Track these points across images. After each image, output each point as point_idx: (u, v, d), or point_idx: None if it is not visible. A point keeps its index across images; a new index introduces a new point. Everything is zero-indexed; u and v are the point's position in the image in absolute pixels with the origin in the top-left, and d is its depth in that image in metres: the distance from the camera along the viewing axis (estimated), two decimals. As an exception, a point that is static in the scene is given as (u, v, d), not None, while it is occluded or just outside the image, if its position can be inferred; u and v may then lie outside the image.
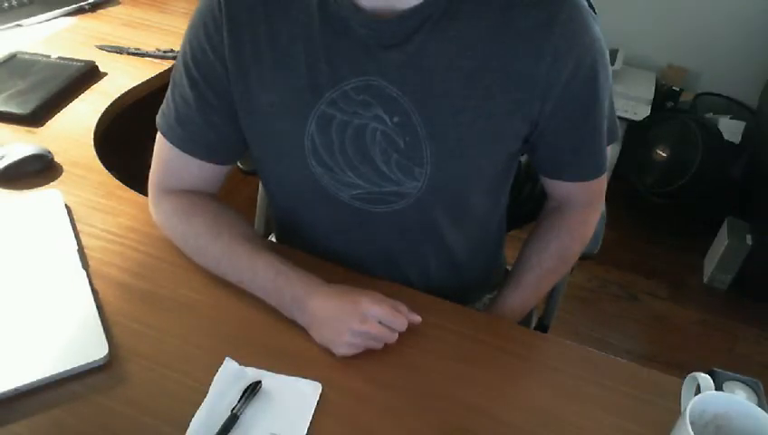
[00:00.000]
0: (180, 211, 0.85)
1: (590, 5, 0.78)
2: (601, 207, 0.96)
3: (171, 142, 0.84)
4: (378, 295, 0.76)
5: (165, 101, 0.85)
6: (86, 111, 1.17)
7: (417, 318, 0.77)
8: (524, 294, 0.93)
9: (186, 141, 0.83)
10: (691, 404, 0.60)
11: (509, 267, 1.12)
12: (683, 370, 0.74)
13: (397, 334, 0.76)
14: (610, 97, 0.84)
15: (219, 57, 0.78)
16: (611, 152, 2.61)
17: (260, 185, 1.44)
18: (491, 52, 0.74)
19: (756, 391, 0.71)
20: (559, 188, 0.90)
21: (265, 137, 0.82)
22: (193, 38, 0.80)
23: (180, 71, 0.82)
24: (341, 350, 0.74)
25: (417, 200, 0.81)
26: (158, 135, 0.86)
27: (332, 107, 0.77)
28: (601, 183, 0.90)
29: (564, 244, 0.92)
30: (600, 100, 0.80)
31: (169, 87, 0.84)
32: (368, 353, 0.75)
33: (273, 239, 1.09)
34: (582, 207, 0.92)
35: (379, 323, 0.74)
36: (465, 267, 0.96)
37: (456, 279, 0.96)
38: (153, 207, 0.88)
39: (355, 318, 0.73)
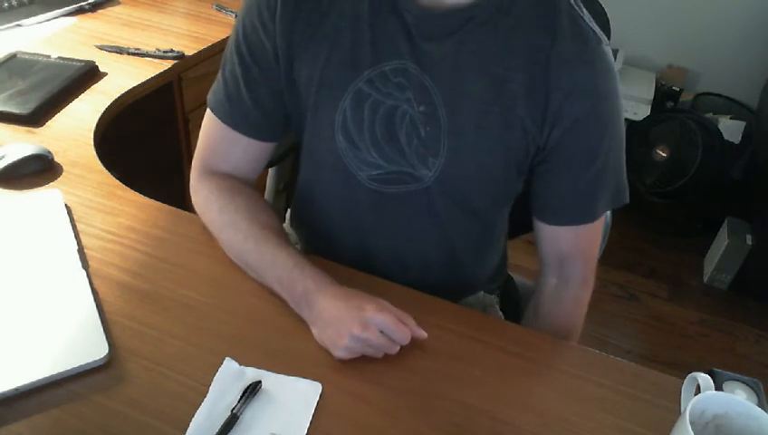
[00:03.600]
0: (225, 189, 0.87)
1: (605, 30, 0.79)
2: (592, 286, 0.96)
3: (219, 118, 0.87)
4: (385, 304, 0.75)
5: (216, 80, 0.89)
6: (86, 111, 1.17)
7: (423, 333, 0.76)
8: None
9: (234, 117, 0.86)
10: (691, 404, 0.59)
11: (511, 273, 1.12)
12: (683, 370, 0.74)
13: (398, 347, 0.75)
14: (621, 158, 0.85)
15: (269, 36, 0.81)
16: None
17: (268, 176, 1.44)
18: (521, 67, 0.76)
19: (756, 391, 0.71)
20: (545, 238, 0.90)
21: (301, 110, 0.85)
22: (246, 17, 0.83)
23: (231, 48, 0.85)
24: (339, 353, 0.73)
25: (425, 188, 0.83)
26: (207, 113, 0.89)
27: (369, 85, 0.79)
28: (590, 241, 0.91)
29: (569, 324, 0.93)
30: (605, 153, 0.81)
31: (221, 67, 0.88)
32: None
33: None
34: (575, 285, 0.92)
35: (382, 332, 0.73)
36: (464, 264, 0.96)
37: (454, 273, 0.96)
38: (195, 184, 0.90)
39: (357, 323, 0.72)
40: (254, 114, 0.86)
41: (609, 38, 0.80)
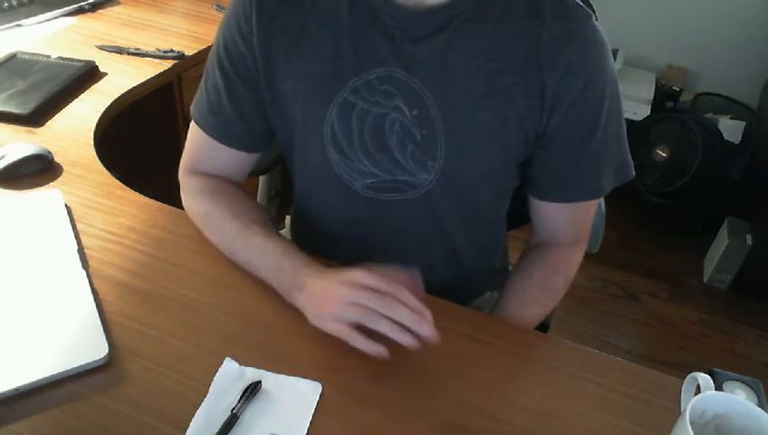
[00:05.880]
0: (208, 190, 0.88)
1: (589, 5, 0.78)
2: (584, 248, 0.95)
3: (204, 130, 0.87)
4: (377, 269, 0.72)
5: (198, 91, 0.89)
6: (86, 111, 1.17)
7: (420, 294, 0.73)
8: (510, 320, 0.89)
9: (218, 130, 0.87)
10: (691, 404, 0.59)
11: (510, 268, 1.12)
12: (683, 370, 0.74)
13: (400, 307, 0.69)
14: (621, 132, 0.84)
15: (249, 48, 0.81)
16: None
17: (260, 185, 1.45)
18: (513, 56, 0.75)
19: (756, 391, 0.71)
20: (545, 214, 0.90)
21: (288, 122, 0.84)
22: (226, 29, 0.83)
23: (213, 61, 0.85)
24: (330, 325, 0.71)
25: (426, 192, 0.82)
26: (192, 123, 0.89)
27: (355, 95, 0.78)
28: (587, 213, 0.91)
29: (546, 274, 0.91)
30: (603, 127, 0.80)
31: (203, 78, 0.88)
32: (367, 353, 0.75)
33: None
34: (566, 245, 0.92)
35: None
36: (468, 263, 0.96)
37: (459, 273, 0.96)
38: (183, 183, 0.91)
39: (345, 287, 0.71)
40: (238, 127, 0.86)
41: (607, 38, 0.79)
